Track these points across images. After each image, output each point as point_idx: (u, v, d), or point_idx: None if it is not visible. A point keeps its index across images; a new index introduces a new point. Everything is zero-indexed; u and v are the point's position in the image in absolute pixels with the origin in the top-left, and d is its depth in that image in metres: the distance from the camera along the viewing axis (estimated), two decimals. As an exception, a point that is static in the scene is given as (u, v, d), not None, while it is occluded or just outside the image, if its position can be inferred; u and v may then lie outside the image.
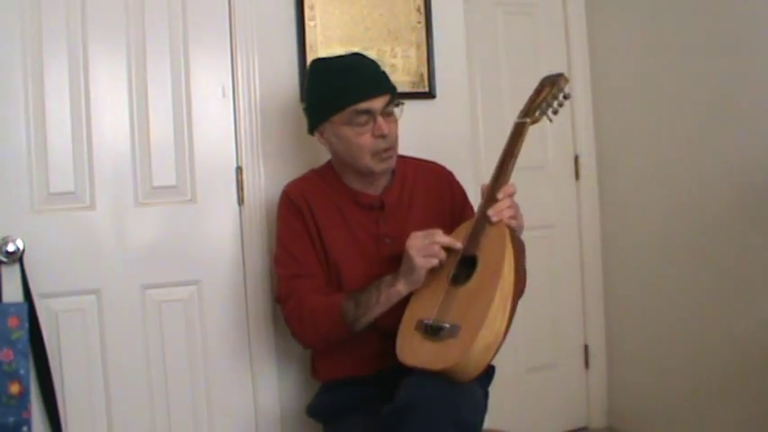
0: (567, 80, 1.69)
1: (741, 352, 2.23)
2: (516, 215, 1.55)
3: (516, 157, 1.59)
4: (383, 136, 1.63)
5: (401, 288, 1.54)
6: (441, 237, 1.51)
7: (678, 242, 2.46)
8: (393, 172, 1.77)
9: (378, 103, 1.63)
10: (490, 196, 1.55)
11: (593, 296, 2.82)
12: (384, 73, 1.71)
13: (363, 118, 1.63)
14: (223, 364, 2.02)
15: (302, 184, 1.79)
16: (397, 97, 1.69)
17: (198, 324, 1.99)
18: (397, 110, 1.69)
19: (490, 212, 1.52)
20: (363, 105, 1.62)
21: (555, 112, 1.66)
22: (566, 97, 1.67)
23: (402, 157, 1.76)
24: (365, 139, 1.64)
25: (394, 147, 1.68)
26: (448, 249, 1.52)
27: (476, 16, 2.57)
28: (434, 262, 1.50)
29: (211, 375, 2.00)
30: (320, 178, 1.79)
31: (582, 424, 2.84)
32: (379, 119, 1.63)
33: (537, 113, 1.64)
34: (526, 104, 1.68)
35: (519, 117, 1.65)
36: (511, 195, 1.55)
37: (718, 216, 2.30)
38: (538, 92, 1.69)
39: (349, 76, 1.65)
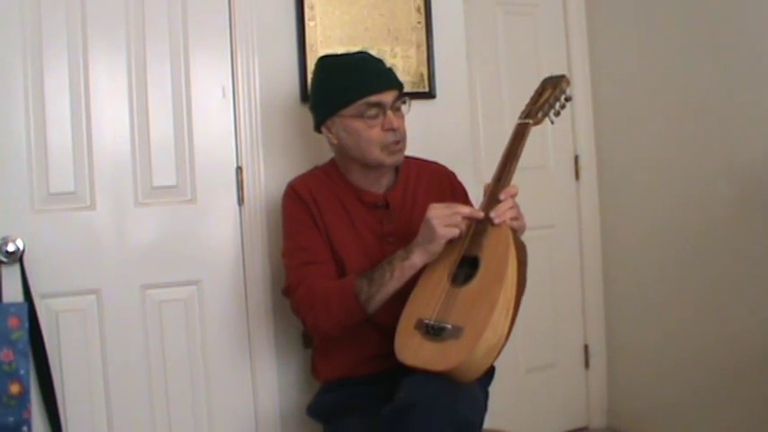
0: (569, 82, 1.69)
1: (741, 352, 2.23)
2: (518, 216, 1.54)
3: (518, 158, 1.59)
4: (393, 129, 1.64)
5: (416, 260, 1.52)
6: (462, 207, 1.51)
7: (678, 242, 2.46)
8: (397, 171, 1.78)
9: (388, 97, 1.65)
10: (492, 197, 1.55)
11: (593, 296, 2.82)
12: (392, 69, 1.72)
13: (374, 111, 1.64)
14: (223, 364, 2.02)
15: (308, 179, 1.79)
16: (404, 94, 1.70)
17: (198, 324, 1.99)
18: (404, 106, 1.70)
19: (492, 214, 1.51)
20: (374, 98, 1.63)
21: (557, 114, 1.67)
22: (567, 99, 1.67)
23: (405, 157, 1.76)
24: (375, 132, 1.65)
25: (403, 140, 1.69)
26: (451, 241, 1.51)
27: (476, 16, 2.57)
28: (455, 232, 1.49)
29: (211, 375, 2.00)
30: (325, 175, 1.79)
31: (582, 424, 2.84)
32: (389, 112, 1.64)
33: (539, 115, 1.65)
34: (528, 105, 1.68)
35: (521, 118, 1.65)
36: (513, 196, 1.54)
37: (717, 216, 2.30)
38: (539, 93, 1.69)
39: (359, 71, 1.67)
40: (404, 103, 1.70)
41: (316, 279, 1.64)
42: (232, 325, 2.03)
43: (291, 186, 1.78)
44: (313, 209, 1.71)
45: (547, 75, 1.76)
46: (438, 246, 1.50)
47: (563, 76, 1.69)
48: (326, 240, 1.70)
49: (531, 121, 1.63)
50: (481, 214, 1.52)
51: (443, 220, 1.48)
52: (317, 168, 1.84)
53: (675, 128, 2.44)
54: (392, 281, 1.53)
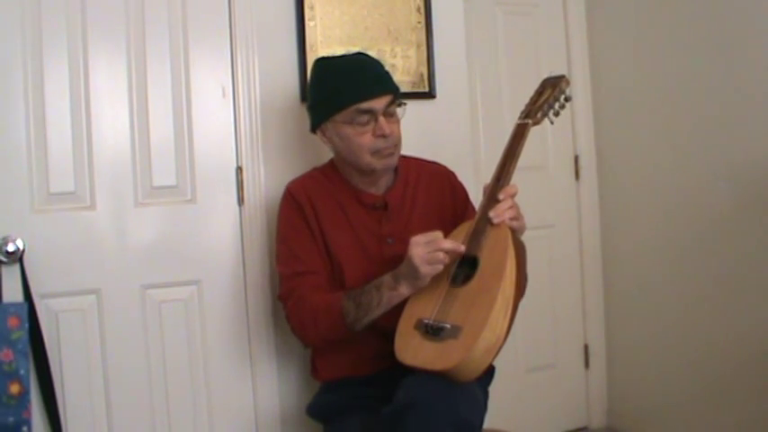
0: (568, 82, 1.69)
1: (741, 352, 2.23)
2: (518, 216, 1.54)
3: (518, 158, 1.59)
4: (384, 136, 1.64)
5: (404, 291, 1.53)
6: (443, 243, 1.48)
7: (678, 242, 2.46)
8: (396, 171, 1.77)
9: (379, 103, 1.64)
10: (491, 197, 1.55)
11: (593, 296, 2.83)
12: (387, 73, 1.71)
13: (365, 117, 1.63)
14: (223, 364, 2.02)
15: (305, 182, 1.79)
16: (400, 97, 1.69)
17: (198, 324, 1.99)
18: (399, 110, 1.69)
19: (491, 214, 1.51)
20: (365, 105, 1.62)
21: (556, 114, 1.67)
22: (567, 99, 1.67)
23: (404, 158, 1.76)
24: (366, 139, 1.64)
25: (396, 146, 1.68)
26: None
27: (476, 16, 2.57)
28: (439, 268, 1.48)
29: (211, 375, 2.00)
30: (324, 176, 1.79)
31: (582, 424, 2.84)
32: (381, 119, 1.63)
33: (539, 115, 1.65)
34: (527, 106, 1.68)
35: (520, 118, 1.66)
36: (512, 196, 1.54)
37: (717, 216, 2.30)
38: (539, 93, 1.69)
39: (352, 76, 1.65)
40: (399, 106, 1.69)
41: (306, 292, 1.65)
42: (232, 325, 2.03)
43: (289, 190, 1.78)
44: (309, 214, 1.71)
45: (547, 75, 1.76)
46: (423, 282, 1.50)
47: (563, 77, 1.70)
48: (321, 247, 1.71)
49: (530, 122, 1.64)
50: (462, 248, 1.50)
51: (425, 258, 1.46)
52: (315, 169, 1.84)
53: (675, 128, 2.44)
54: (379, 307, 1.54)
